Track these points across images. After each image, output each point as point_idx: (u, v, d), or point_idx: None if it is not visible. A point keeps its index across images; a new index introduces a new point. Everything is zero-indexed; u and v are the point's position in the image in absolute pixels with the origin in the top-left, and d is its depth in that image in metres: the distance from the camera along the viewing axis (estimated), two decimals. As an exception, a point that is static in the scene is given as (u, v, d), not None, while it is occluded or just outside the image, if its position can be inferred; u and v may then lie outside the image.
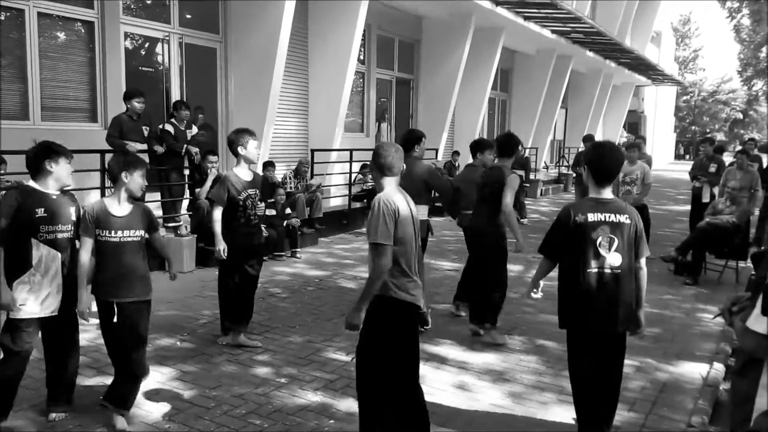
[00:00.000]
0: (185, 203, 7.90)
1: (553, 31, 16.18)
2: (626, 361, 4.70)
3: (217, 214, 4.77)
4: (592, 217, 3.15)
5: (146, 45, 9.51)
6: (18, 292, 3.37)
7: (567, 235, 3.20)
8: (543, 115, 18.77)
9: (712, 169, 9.53)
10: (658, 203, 15.66)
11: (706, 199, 9.22)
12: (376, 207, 3.02)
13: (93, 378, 4.22)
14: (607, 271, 3.15)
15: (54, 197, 3.45)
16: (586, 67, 21.32)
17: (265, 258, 7.74)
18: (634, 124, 30.95)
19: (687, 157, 46.71)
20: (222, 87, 9.88)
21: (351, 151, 10.57)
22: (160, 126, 7.29)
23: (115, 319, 3.53)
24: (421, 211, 5.05)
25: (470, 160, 6.42)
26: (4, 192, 4.48)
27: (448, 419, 3.75)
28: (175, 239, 7.17)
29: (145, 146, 6.98)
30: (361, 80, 13.33)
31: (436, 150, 13.69)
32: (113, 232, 3.44)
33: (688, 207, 10.35)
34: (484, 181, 5.37)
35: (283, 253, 8.01)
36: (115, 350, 3.62)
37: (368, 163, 11.59)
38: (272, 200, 8.16)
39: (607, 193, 3.25)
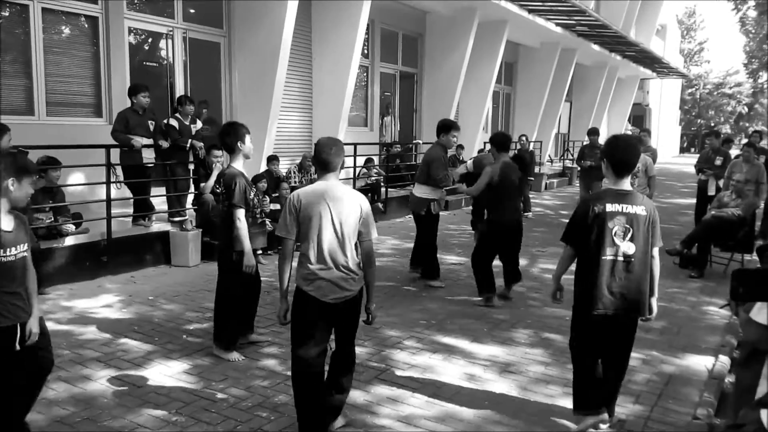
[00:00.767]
0: (190, 198, 7.91)
1: (557, 24, 16.10)
2: (632, 354, 4.72)
3: (244, 219, 4.41)
4: (609, 207, 3.33)
5: (150, 40, 9.51)
6: None
7: (586, 224, 3.36)
8: (547, 109, 18.71)
9: (718, 162, 9.48)
10: (663, 196, 15.61)
11: (711, 192, 9.18)
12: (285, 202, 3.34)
13: (100, 371, 4.24)
14: (621, 259, 3.33)
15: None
16: (590, 60, 21.23)
17: (270, 252, 7.78)
18: (639, 117, 30.82)
19: (692, 150, 46.53)
20: (226, 82, 9.88)
21: (355, 145, 10.56)
22: (165, 121, 7.30)
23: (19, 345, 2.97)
24: (418, 190, 6.71)
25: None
26: None
27: (453, 413, 3.76)
28: (181, 233, 7.19)
29: (150, 141, 7.00)
30: (365, 74, 13.32)
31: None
32: (7, 250, 2.88)
33: (693, 200, 10.31)
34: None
35: (288, 248, 8.01)
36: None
37: (372, 157, 11.67)
38: (277, 194, 8.17)
39: (626, 185, 3.43)
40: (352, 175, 10.70)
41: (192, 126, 7.38)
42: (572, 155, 19.70)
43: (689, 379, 4.41)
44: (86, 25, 8.23)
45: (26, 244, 3.00)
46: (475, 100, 15.38)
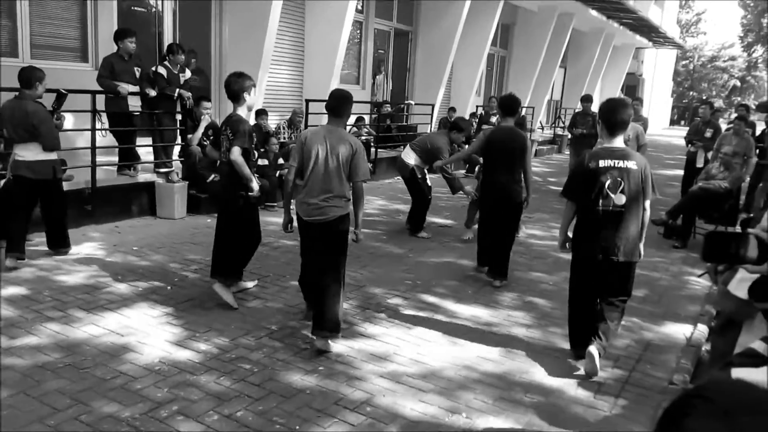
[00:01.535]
0: (177, 149, 7.79)
1: (556, -13, 15.82)
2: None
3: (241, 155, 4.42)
4: (603, 163, 3.70)
5: (139, -16, 9.21)
6: None
7: (582, 179, 3.75)
8: (542, 74, 18.51)
9: (708, 134, 9.48)
10: (651, 167, 15.63)
11: (700, 164, 9.20)
12: None
13: None
14: (612, 209, 3.70)
15: None
16: (587, 26, 20.94)
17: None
18: (632, 86, 30.67)
19: (682, 123, 46.53)
20: (216, 32, 9.63)
21: (346, 102, 10.42)
22: (153, 68, 7.11)
23: None
24: (408, 156, 7.27)
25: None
26: None
27: (436, 370, 3.81)
28: (167, 185, 7.11)
29: (137, 88, 6.83)
30: (359, 31, 13.05)
31: (432, 105, 13.52)
32: None
33: (681, 172, 10.35)
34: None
35: (275, 204, 7.97)
36: None
37: (363, 116, 11.53)
38: (265, 150, 8.07)
39: (618, 142, 3.79)
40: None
41: (181, 75, 7.20)
42: (564, 122, 19.63)
43: (668, 345, 4.48)
44: (72, -34, 7.93)
45: None
46: (470, 61, 15.18)
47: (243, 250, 4.74)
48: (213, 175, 6.98)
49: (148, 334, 4.04)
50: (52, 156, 5.21)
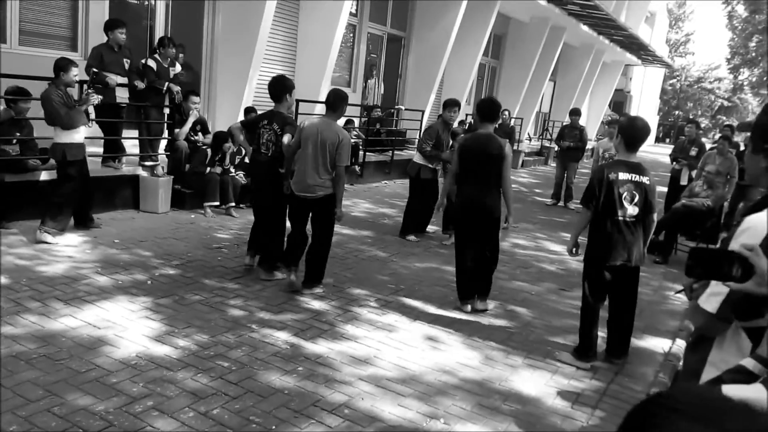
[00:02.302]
0: (163, 143, 7.72)
1: (549, 0, 15.94)
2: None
3: None
4: (622, 176, 3.96)
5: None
6: None
7: (601, 189, 3.97)
8: (531, 86, 18.64)
9: (693, 152, 9.61)
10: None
11: (684, 181, 9.32)
12: None
13: None
14: (627, 219, 3.99)
15: None
16: (578, 41, 21.14)
17: (242, 206, 7.69)
18: (620, 103, 31.02)
19: (667, 140, 47.10)
20: (208, 27, 9.58)
21: (336, 104, 10.40)
22: (143, 61, 7.06)
23: None
24: (416, 155, 7.43)
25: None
26: None
27: (416, 375, 3.80)
28: (152, 179, 7.03)
29: (125, 80, 6.77)
30: (352, 34, 13.05)
31: (422, 111, 13.55)
32: None
33: (665, 188, 10.47)
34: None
35: (261, 202, 7.93)
36: None
37: (353, 119, 11.52)
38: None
39: (635, 157, 4.05)
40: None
41: (171, 69, 7.15)
42: (551, 135, 19.76)
43: (646, 359, 4.52)
44: (65, -46, 7.84)
45: None
46: (461, 70, 15.23)
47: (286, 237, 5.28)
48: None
49: (126, 328, 3.99)
50: (62, 139, 5.54)
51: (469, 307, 5.03)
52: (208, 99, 9.62)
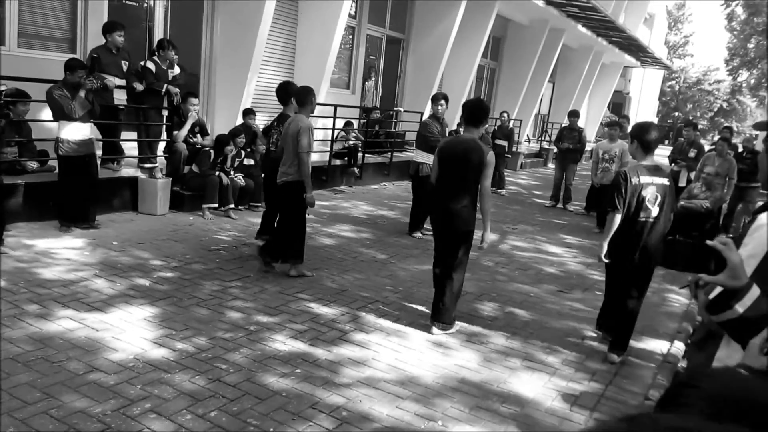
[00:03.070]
0: (162, 145, 7.73)
1: (548, 2, 15.96)
2: (591, 333, 4.81)
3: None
4: (645, 179, 4.14)
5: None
6: None
7: (627, 192, 4.14)
8: (530, 88, 18.65)
9: (692, 154, 9.63)
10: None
11: (682, 183, 9.33)
12: None
13: None
14: (650, 220, 4.16)
15: None
16: (577, 43, 21.16)
17: (240, 208, 7.69)
18: (619, 104, 31.02)
19: (665, 142, 47.14)
20: (207, 30, 9.58)
21: (335, 107, 10.41)
22: (142, 63, 7.06)
23: None
24: (414, 152, 7.77)
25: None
26: None
27: (413, 377, 3.80)
28: (150, 181, 7.03)
29: (123, 82, 6.77)
30: (351, 36, 13.06)
31: (421, 113, 13.56)
32: None
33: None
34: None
35: (260, 204, 7.91)
36: None
37: (351, 121, 11.54)
38: (251, 149, 8.03)
39: (652, 160, 4.25)
40: (330, 137, 10.55)
41: (170, 71, 7.15)
42: (550, 137, 19.77)
43: (644, 361, 4.51)
44: (64, -43, 7.84)
45: None
46: (460, 72, 15.23)
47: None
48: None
49: (124, 330, 3.98)
50: (61, 134, 5.82)
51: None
52: (207, 101, 9.62)
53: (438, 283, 4.59)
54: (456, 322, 4.63)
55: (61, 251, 5.42)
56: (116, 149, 7.06)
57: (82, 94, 5.75)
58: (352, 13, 12.59)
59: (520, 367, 4.13)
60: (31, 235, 5.74)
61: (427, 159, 7.16)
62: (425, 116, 13.83)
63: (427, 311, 4.95)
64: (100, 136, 6.92)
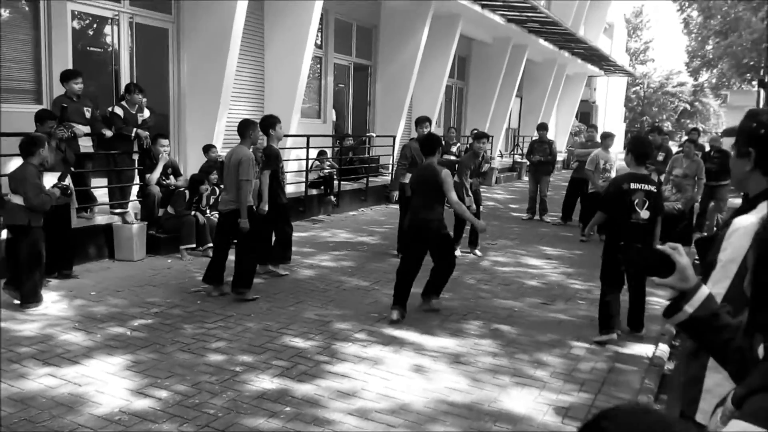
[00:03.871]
0: (135, 189, 7.67)
1: (509, 20, 16.30)
2: (577, 343, 4.84)
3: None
4: (634, 186, 4.80)
5: (95, 24, 9.14)
6: None
7: (617, 198, 4.83)
8: (498, 104, 18.94)
9: (660, 157, 9.83)
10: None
11: (653, 187, 9.50)
12: None
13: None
14: (639, 222, 4.78)
15: None
16: (541, 57, 21.59)
17: (200, 248, 7.62)
18: (586, 113, 31.57)
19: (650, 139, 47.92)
20: (174, 69, 9.58)
21: (308, 137, 10.45)
22: (110, 109, 7.03)
23: None
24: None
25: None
26: None
27: (405, 404, 3.78)
28: (125, 226, 6.96)
29: (88, 128, 6.73)
30: (319, 65, 13.18)
31: (394, 137, 13.68)
32: None
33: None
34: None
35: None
36: None
37: (325, 150, 11.59)
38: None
39: (643, 170, 4.94)
40: (305, 167, 10.57)
41: (139, 115, 7.13)
42: (522, 150, 20.04)
43: (631, 366, 4.55)
44: (26, 8, 7.83)
45: None
46: (429, 93, 15.43)
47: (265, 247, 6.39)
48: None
49: (107, 382, 3.91)
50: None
51: (395, 314, 5.27)
52: (178, 141, 9.60)
53: (439, 271, 5.62)
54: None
55: (39, 306, 5.31)
56: (89, 197, 6.98)
57: (53, 144, 5.69)
58: (318, 43, 12.73)
59: (510, 384, 4.13)
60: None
61: (405, 180, 7.44)
62: (399, 141, 14.00)
63: (414, 333, 4.95)
64: (72, 186, 6.85)
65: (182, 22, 9.44)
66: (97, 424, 3.38)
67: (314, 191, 10.61)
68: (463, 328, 5.24)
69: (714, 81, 40.34)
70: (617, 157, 9.12)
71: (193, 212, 7.23)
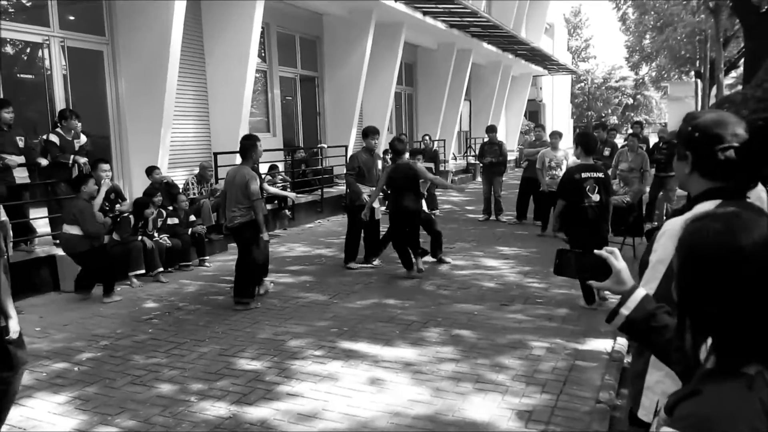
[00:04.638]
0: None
1: (451, 26, 16.48)
2: (537, 343, 4.85)
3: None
4: (585, 174, 5.71)
5: (25, 50, 8.80)
6: None
7: (571, 186, 5.73)
8: (448, 108, 19.11)
9: (606, 152, 10.05)
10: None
11: (603, 181, 9.70)
12: None
13: None
14: (592, 205, 5.70)
15: None
16: (486, 60, 21.92)
17: (170, 269, 7.41)
18: (534, 112, 32.21)
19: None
20: (112, 91, 9.30)
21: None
22: (44, 136, 6.75)
23: None
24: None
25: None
26: None
27: (367, 422, 3.69)
28: (68, 256, 6.67)
29: (22, 158, 6.43)
30: (264, 79, 13.02)
31: (346, 147, 13.61)
32: None
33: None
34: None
35: (190, 263, 7.66)
36: None
37: (276, 164, 11.44)
38: (173, 208, 7.78)
39: (591, 160, 5.91)
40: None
41: (75, 141, 6.86)
42: (474, 152, 20.26)
43: (591, 363, 4.57)
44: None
45: None
46: (378, 101, 15.45)
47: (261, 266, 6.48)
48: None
49: (54, 424, 3.70)
50: None
51: (420, 262, 7.27)
52: (121, 164, 9.31)
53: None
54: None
55: None
56: (27, 229, 6.67)
57: None
58: (262, 55, 12.58)
59: (472, 391, 4.09)
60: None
61: (363, 189, 7.57)
62: (351, 150, 13.95)
63: (374, 346, 4.88)
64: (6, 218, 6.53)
65: (117, 43, 9.18)
66: (42, 472, 3.18)
67: (268, 206, 10.43)
68: (423, 337, 5.18)
69: (654, 74, 41.80)
70: (568, 153, 9.28)
71: (140, 237, 6.99)
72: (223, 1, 10.27)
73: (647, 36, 39.27)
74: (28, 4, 8.61)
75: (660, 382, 1.85)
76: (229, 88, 10.65)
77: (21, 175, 6.55)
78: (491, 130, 11.49)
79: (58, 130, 6.77)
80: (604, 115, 53.22)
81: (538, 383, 4.19)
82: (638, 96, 55.63)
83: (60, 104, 8.35)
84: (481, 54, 20.33)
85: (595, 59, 68.37)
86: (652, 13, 32.73)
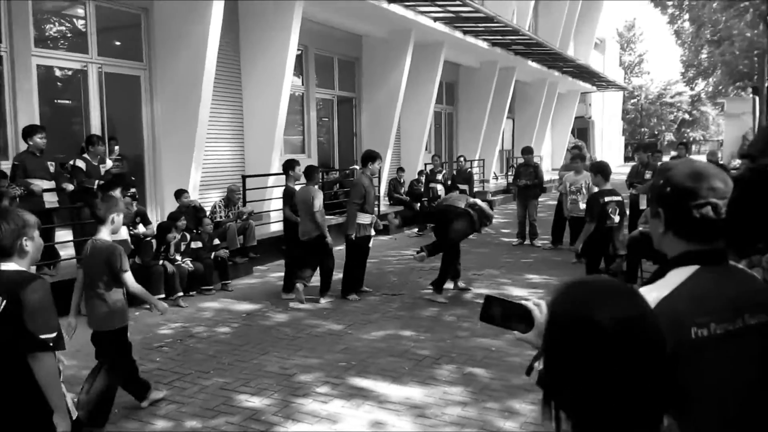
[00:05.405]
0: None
1: (493, 44, 16.27)
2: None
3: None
4: (608, 198, 6.40)
5: (63, 77, 9.11)
6: None
7: (598, 208, 6.36)
8: (490, 126, 18.83)
9: (648, 176, 9.60)
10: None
11: (643, 206, 9.25)
12: None
13: None
14: (613, 225, 6.39)
15: None
16: (530, 77, 21.55)
17: (191, 293, 7.43)
18: (583, 129, 31.45)
19: (636, 159, 47.71)
20: (147, 115, 9.51)
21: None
22: (71, 162, 6.91)
23: None
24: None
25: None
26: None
27: (356, 470, 3.51)
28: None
29: (52, 183, 6.59)
30: (301, 100, 13.12)
31: (380, 168, 13.52)
32: None
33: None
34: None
35: (212, 287, 7.66)
36: None
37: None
38: (197, 231, 7.81)
39: (610, 185, 6.56)
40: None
41: (101, 166, 7.00)
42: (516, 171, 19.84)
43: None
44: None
45: None
46: (416, 121, 15.36)
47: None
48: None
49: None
50: None
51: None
52: (155, 186, 9.48)
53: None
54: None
55: None
56: (52, 253, 6.81)
57: (6, 202, 5.58)
58: (298, 80, 12.68)
59: (475, 440, 3.85)
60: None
61: (363, 219, 7.36)
62: (386, 171, 13.86)
63: (381, 383, 4.69)
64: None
65: (155, 69, 9.41)
66: None
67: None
68: (434, 374, 4.96)
69: (710, 90, 40.23)
70: (587, 177, 8.81)
71: (161, 261, 7.03)
72: (261, 25, 10.41)
73: (704, 50, 37.94)
74: (67, 33, 8.91)
75: None
76: (264, 112, 10.75)
77: (50, 200, 6.71)
78: (527, 151, 11.19)
79: (85, 155, 6.92)
80: (657, 132, 51.54)
81: (537, 402, 3.91)
82: (694, 112, 53.70)
83: (96, 129, 8.59)
84: (525, 71, 19.99)
85: (649, 74, 66.55)
86: (709, 26, 31.57)
